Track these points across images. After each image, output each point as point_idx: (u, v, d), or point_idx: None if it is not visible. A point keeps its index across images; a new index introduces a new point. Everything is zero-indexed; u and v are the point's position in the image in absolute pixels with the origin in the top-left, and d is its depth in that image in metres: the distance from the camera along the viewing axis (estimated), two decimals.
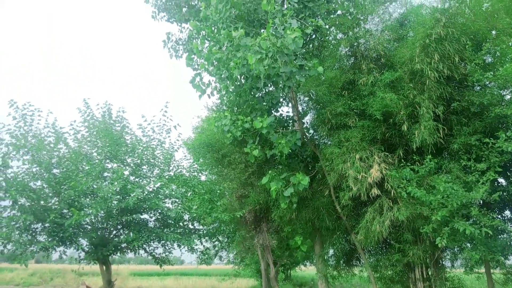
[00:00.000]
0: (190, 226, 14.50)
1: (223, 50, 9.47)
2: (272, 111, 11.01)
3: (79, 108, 14.16)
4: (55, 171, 13.05)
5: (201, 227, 14.63)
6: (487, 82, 9.10)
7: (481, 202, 9.20)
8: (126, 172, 13.41)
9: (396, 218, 8.84)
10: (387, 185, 9.06)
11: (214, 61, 9.56)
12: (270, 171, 10.16)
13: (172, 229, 13.90)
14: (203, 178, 16.26)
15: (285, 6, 10.85)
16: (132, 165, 13.90)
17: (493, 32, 9.40)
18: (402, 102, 9.13)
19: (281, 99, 11.51)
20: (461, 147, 8.78)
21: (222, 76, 9.79)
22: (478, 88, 9.33)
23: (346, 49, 11.12)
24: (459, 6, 9.15)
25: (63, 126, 13.78)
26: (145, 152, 14.09)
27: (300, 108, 11.98)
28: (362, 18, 10.87)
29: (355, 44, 10.67)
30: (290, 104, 12.09)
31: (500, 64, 8.98)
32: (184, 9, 13.27)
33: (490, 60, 9.60)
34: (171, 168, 14.76)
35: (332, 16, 12.01)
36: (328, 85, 10.30)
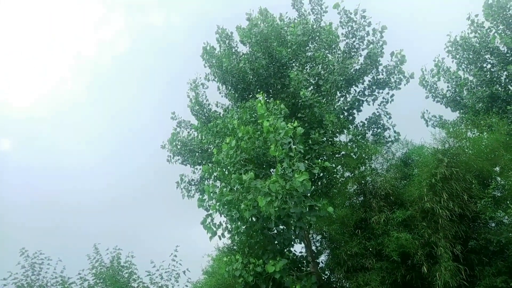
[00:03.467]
0: None
1: (234, 191, 9.69)
2: (285, 251, 10.69)
3: (88, 255, 13.91)
4: None
5: None
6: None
7: None
8: None
9: None
10: None
11: (225, 202, 9.70)
12: None
13: None
14: None
15: (292, 150, 11.44)
16: None
17: (497, 168, 9.63)
18: (418, 241, 8.91)
19: (294, 238, 11.30)
20: None
21: (233, 216, 9.82)
22: (493, 224, 9.16)
23: (355, 187, 11.32)
24: (459, 146, 9.58)
25: (71, 276, 13.35)
26: None
27: (313, 247, 11.65)
28: (366, 157, 11.32)
29: (362, 182, 10.90)
30: (303, 243, 11.79)
31: (511, 198, 8.97)
32: (197, 154, 14.05)
33: (500, 194, 9.62)
34: None
35: (337, 156, 12.56)
36: (340, 224, 10.21)
